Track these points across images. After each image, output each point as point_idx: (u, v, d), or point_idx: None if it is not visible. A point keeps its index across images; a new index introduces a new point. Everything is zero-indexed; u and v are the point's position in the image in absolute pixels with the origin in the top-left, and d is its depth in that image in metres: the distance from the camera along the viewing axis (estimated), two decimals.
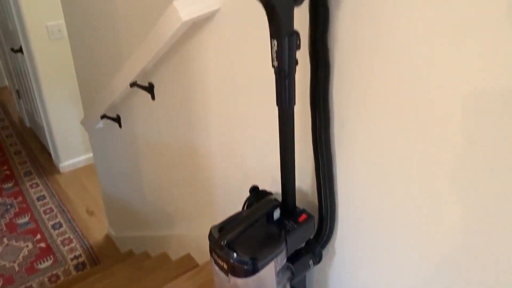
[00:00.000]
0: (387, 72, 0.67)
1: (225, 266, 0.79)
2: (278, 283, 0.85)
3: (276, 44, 0.66)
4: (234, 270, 0.78)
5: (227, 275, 0.80)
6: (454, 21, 0.56)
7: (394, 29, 0.64)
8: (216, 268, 0.82)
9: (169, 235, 1.83)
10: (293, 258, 0.88)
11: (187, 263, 1.58)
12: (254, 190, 0.93)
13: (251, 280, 0.80)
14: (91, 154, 3.23)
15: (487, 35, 0.53)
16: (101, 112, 1.81)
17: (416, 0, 0.59)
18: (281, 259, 0.83)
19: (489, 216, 0.61)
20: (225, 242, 0.78)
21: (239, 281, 0.81)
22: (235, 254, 0.77)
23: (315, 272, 1.02)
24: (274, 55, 0.68)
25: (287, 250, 0.83)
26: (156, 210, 1.89)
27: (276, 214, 0.85)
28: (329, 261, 0.96)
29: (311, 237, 0.90)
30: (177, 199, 1.65)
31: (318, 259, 0.90)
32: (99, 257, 2.58)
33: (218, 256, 0.80)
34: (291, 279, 0.89)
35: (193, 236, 1.61)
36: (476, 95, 0.57)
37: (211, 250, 0.82)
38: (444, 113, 0.62)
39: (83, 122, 2.16)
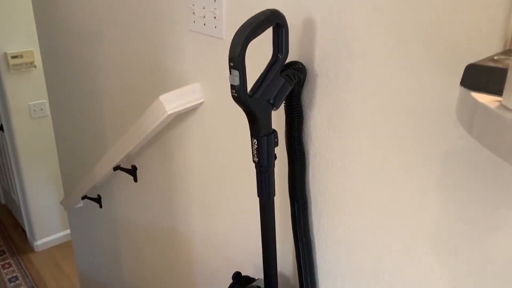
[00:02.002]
0: (355, 161, 0.74)
1: None
2: None
3: (256, 143, 0.73)
4: None
5: None
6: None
7: (359, 123, 0.71)
8: None
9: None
10: None
11: None
12: (237, 276, 0.95)
13: None
14: (67, 231, 3.17)
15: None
16: (82, 194, 1.83)
17: (376, 111, 0.68)
18: None
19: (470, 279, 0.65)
20: None
21: None
22: None
23: None
24: (255, 152, 0.74)
25: None
26: None
27: None
28: None
29: None
30: (158, 280, 1.63)
31: None
32: None
33: None
34: None
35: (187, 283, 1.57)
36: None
37: None
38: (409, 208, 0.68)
39: (63, 202, 2.16)
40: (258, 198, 0.82)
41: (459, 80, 0.45)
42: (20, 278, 2.97)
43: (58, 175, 2.36)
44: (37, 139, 2.99)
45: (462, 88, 0.45)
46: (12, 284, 2.92)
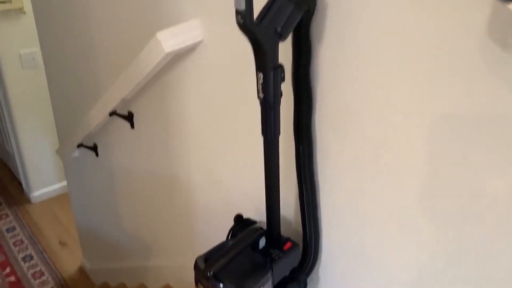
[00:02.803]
0: (365, 104, 0.70)
1: None
2: None
3: (262, 77, 0.69)
4: None
5: None
6: (427, 56, 0.60)
7: (372, 64, 0.67)
8: None
9: (147, 266, 1.79)
10: (279, 286, 0.88)
11: None
12: (239, 219, 0.94)
13: None
14: (64, 183, 3.16)
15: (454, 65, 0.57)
16: (78, 141, 1.79)
17: (393, 39, 0.63)
18: (267, 287, 0.83)
19: (456, 239, 0.64)
20: (211, 273, 0.78)
21: None
22: (221, 285, 0.77)
23: None
24: (260, 87, 0.70)
25: (273, 279, 0.83)
26: (133, 241, 1.85)
27: (262, 243, 0.86)
28: None
29: (296, 265, 0.91)
30: (156, 229, 1.63)
31: (303, 287, 0.91)
32: None
33: (204, 287, 0.79)
34: None
35: (173, 267, 1.59)
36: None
37: (197, 281, 0.81)
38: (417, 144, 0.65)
39: (58, 152, 2.12)
40: (260, 141, 0.78)
41: None
42: (17, 229, 2.98)
43: (53, 126, 2.32)
44: (29, 89, 2.92)
45: (498, 1, 0.40)
46: (10, 234, 2.94)
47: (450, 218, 0.65)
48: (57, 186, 3.30)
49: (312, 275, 0.94)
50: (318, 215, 0.87)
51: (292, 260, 0.88)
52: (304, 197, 0.84)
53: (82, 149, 1.90)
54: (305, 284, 0.91)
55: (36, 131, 3.04)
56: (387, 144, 0.70)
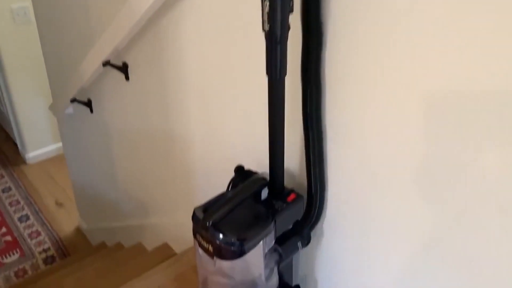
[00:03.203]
0: (379, 43, 0.63)
1: (210, 249, 0.74)
2: (265, 266, 0.81)
3: (268, 5, 0.61)
4: (220, 252, 0.73)
5: (212, 258, 0.75)
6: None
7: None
8: (200, 251, 0.77)
9: (144, 225, 1.76)
10: (281, 240, 0.83)
11: (164, 253, 1.52)
12: (239, 170, 0.88)
13: (237, 262, 0.75)
14: (60, 144, 3.10)
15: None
16: (71, 96, 1.72)
17: None
18: (269, 240, 0.78)
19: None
20: (210, 223, 0.73)
21: (225, 264, 0.76)
22: (221, 235, 0.72)
23: (302, 255, 0.98)
24: (266, 17, 0.63)
25: (275, 231, 0.79)
26: (130, 199, 1.81)
27: (264, 193, 0.81)
28: (317, 244, 0.92)
29: (300, 218, 0.86)
30: (154, 187, 1.58)
31: (306, 241, 0.86)
32: (69, 250, 2.48)
33: (203, 238, 0.74)
34: (278, 262, 0.85)
35: (171, 225, 1.55)
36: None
37: (195, 232, 0.76)
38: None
39: (51, 107, 2.05)
40: (263, 90, 0.72)
41: None
42: (13, 189, 2.95)
43: (47, 85, 2.23)
44: (22, 46, 2.81)
45: None
46: (5, 194, 2.90)
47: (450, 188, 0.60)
48: (53, 147, 3.25)
49: (316, 229, 0.89)
50: (324, 166, 0.82)
51: (295, 212, 0.83)
52: (310, 144, 0.78)
53: (76, 105, 1.83)
54: (309, 239, 0.87)
55: (31, 90, 2.96)
56: (405, 87, 0.63)
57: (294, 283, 0.97)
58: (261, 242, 0.76)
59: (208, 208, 0.78)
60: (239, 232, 0.74)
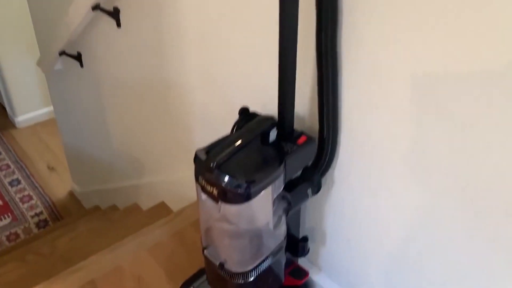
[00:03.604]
0: None
1: (215, 192, 0.67)
2: (274, 213, 0.75)
3: None
4: (226, 196, 0.66)
5: (217, 202, 0.68)
6: None
7: None
8: (203, 195, 0.71)
9: (140, 185, 1.69)
10: (290, 187, 0.77)
11: (161, 211, 1.46)
12: (244, 111, 0.81)
13: (244, 207, 0.69)
14: (50, 108, 3.00)
15: None
16: (60, 48, 1.62)
17: None
18: (278, 185, 0.72)
19: None
20: (215, 164, 0.66)
21: (231, 209, 0.69)
22: (227, 177, 0.65)
23: (310, 206, 0.92)
24: None
25: (285, 175, 0.72)
26: (125, 159, 1.74)
27: (273, 134, 0.74)
28: (327, 192, 0.86)
29: (309, 164, 0.79)
30: (150, 143, 1.51)
31: (316, 188, 0.80)
32: (62, 214, 2.42)
33: (207, 181, 0.68)
34: (287, 210, 0.79)
35: (168, 183, 1.48)
36: None
37: (198, 174, 0.69)
38: None
39: (39, 63, 1.95)
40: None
41: None
42: (3, 153, 2.86)
43: (37, 47, 2.11)
44: (9, 7, 2.67)
45: None
46: None
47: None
48: (43, 110, 3.15)
49: (327, 176, 0.83)
50: (338, 105, 0.75)
51: (306, 155, 0.77)
52: (324, 79, 0.71)
53: (66, 60, 1.73)
54: (319, 186, 0.81)
55: (19, 52, 2.84)
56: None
57: (300, 236, 0.92)
58: (270, 186, 0.70)
59: (212, 149, 0.71)
60: (246, 173, 0.67)
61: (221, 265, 0.77)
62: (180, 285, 1.00)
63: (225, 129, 0.80)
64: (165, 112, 1.31)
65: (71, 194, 2.56)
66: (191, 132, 1.24)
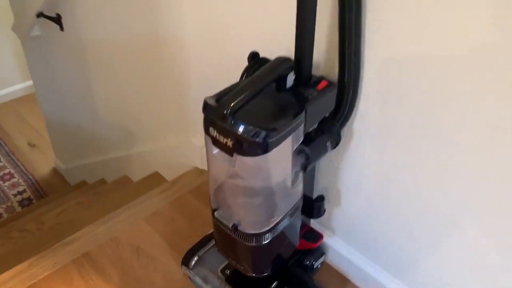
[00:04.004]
0: None
1: (229, 143, 0.59)
2: (293, 167, 0.67)
3: None
4: (242, 147, 0.59)
5: (231, 156, 0.60)
6: None
7: None
8: (215, 149, 0.63)
9: (130, 155, 1.60)
10: (307, 140, 0.70)
11: (155, 181, 1.38)
12: (255, 56, 0.72)
13: (262, 161, 0.61)
14: (29, 83, 2.84)
15: None
16: (37, 9, 1.49)
17: None
18: (297, 136, 0.64)
19: None
20: (229, 110, 0.58)
21: (248, 162, 0.62)
22: (244, 125, 0.57)
23: (323, 162, 0.85)
24: None
25: (305, 125, 0.65)
26: (113, 129, 1.64)
27: (290, 79, 0.66)
28: (344, 147, 0.79)
29: (329, 114, 0.72)
30: (141, 109, 1.41)
31: (336, 140, 0.73)
32: (47, 192, 2.32)
33: (219, 131, 0.60)
34: (305, 166, 0.72)
35: (161, 151, 1.40)
36: None
37: (208, 126, 0.61)
38: None
39: (15, 28, 1.80)
40: None
41: None
42: None
43: (11, 15, 1.95)
44: None
45: None
46: None
47: None
48: (21, 86, 2.99)
49: (345, 129, 0.76)
50: (362, 44, 0.67)
51: (327, 103, 0.69)
52: (346, 17, 0.63)
53: (44, 24, 1.60)
54: (339, 138, 0.73)
55: None
56: None
57: (314, 196, 0.85)
58: (290, 136, 0.62)
59: (222, 97, 0.63)
60: (265, 121, 0.59)
61: (235, 227, 0.69)
62: (184, 254, 0.93)
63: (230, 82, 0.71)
64: (158, 74, 1.22)
65: (55, 171, 2.44)
66: (188, 95, 1.15)
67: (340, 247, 0.92)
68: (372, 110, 0.71)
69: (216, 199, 0.73)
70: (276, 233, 0.71)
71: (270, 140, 0.58)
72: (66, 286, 0.91)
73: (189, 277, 0.92)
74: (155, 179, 1.39)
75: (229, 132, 0.58)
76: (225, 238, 0.75)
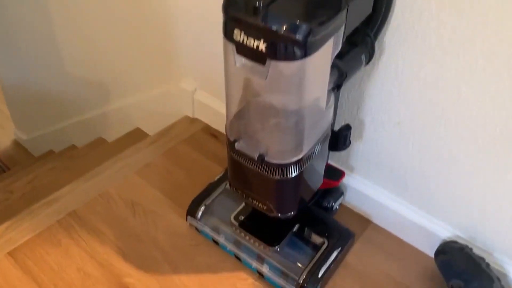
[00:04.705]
0: None
1: (263, 46, 0.48)
2: (329, 82, 0.58)
3: None
4: (279, 48, 0.48)
5: (263, 62, 0.49)
6: None
7: None
8: (240, 60, 0.52)
9: (105, 113, 1.45)
10: (339, 54, 0.59)
11: (138, 138, 1.24)
12: None
13: (301, 67, 0.50)
14: None
15: None
16: None
17: None
18: (338, 39, 0.54)
19: None
20: (262, 2, 0.46)
21: (284, 69, 0.51)
22: (282, 19, 0.47)
23: (345, 91, 0.76)
24: None
25: (345, 27, 0.54)
26: (84, 85, 1.47)
27: None
28: (372, 66, 0.69)
29: (360, 22, 0.62)
30: (118, 58, 1.26)
31: (370, 54, 0.64)
32: (9, 166, 2.12)
33: (249, 31, 0.48)
34: (338, 84, 0.62)
35: (143, 102, 1.26)
36: None
37: (232, 26, 0.50)
38: None
39: None
40: None
41: None
42: None
43: None
44: None
45: None
46: None
47: None
48: None
49: (378, 42, 0.66)
50: None
51: (366, 4, 0.59)
52: None
53: None
54: (373, 50, 0.64)
55: None
56: None
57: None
58: (331, 39, 0.52)
59: None
60: (305, 16, 0.48)
61: (261, 158, 0.59)
62: (188, 206, 0.82)
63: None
64: (137, 11, 1.07)
65: (16, 144, 2.23)
66: (175, 32, 1.02)
67: (360, 184, 0.84)
68: (408, 23, 0.62)
69: (236, 129, 0.62)
70: (304, 165, 0.62)
71: (312, 40, 0.48)
72: (54, 248, 0.79)
73: (197, 229, 0.82)
74: (137, 136, 1.26)
75: (263, 31, 0.47)
76: (245, 174, 0.64)
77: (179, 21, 0.99)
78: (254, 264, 0.75)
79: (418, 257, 0.80)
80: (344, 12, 0.52)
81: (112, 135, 1.45)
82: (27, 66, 1.67)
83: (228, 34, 0.51)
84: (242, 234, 0.76)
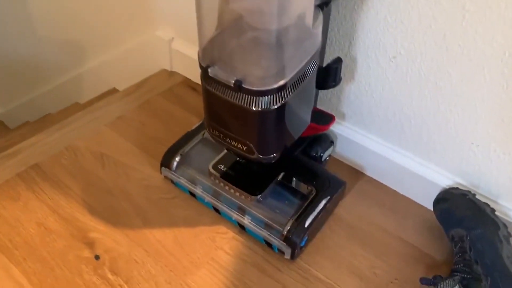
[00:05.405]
0: None
1: None
2: None
3: None
4: None
5: None
6: None
7: None
8: None
9: (80, 75, 1.36)
10: None
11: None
12: None
13: None
14: None
15: None
16: None
17: None
18: None
19: None
20: None
21: None
22: None
23: (334, 21, 0.68)
24: None
25: None
26: (56, 48, 1.38)
27: None
28: None
29: None
30: (90, 12, 1.17)
31: None
32: None
33: None
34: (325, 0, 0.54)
35: (118, 58, 1.18)
36: None
37: None
38: None
39: None
40: None
41: None
42: None
43: None
44: None
45: None
46: None
47: None
48: None
49: None
50: None
51: None
52: None
53: None
54: None
55: None
56: None
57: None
58: None
59: None
60: None
61: (238, 84, 0.51)
62: (163, 155, 0.74)
63: None
64: None
65: None
66: None
67: (352, 132, 0.77)
68: None
69: (210, 53, 0.54)
70: (288, 95, 0.54)
71: None
72: (12, 202, 0.71)
73: (172, 181, 0.74)
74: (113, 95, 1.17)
75: None
76: (222, 109, 0.57)
77: None
78: (235, 216, 0.68)
79: (415, 209, 0.73)
80: None
81: (87, 98, 1.36)
82: None
83: None
84: (222, 184, 0.68)
